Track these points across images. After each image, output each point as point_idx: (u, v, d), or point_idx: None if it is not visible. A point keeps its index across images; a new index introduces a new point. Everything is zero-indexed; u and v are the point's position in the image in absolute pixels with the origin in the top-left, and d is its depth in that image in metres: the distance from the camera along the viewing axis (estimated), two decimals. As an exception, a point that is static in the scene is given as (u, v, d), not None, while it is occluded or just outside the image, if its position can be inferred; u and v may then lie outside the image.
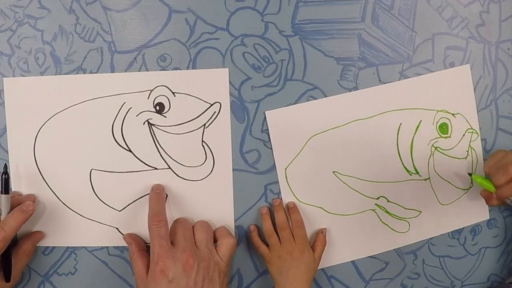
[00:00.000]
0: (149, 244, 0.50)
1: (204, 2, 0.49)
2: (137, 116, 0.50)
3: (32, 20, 0.49)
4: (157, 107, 0.50)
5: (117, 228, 0.51)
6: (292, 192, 0.53)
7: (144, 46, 0.50)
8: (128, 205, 0.51)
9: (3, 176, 0.45)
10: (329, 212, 0.54)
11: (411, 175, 0.54)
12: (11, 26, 0.49)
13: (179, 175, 0.51)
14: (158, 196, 0.49)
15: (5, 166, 0.46)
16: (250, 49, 0.51)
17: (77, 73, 0.49)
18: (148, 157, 0.50)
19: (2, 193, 0.45)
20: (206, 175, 0.51)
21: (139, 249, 0.48)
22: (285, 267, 0.50)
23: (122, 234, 0.51)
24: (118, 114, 0.50)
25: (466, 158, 0.55)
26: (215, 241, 0.49)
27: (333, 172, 0.53)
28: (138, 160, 0.50)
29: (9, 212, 0.45)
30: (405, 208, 0.55)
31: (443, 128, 0.54)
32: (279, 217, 0.51)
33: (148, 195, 0.50)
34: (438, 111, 0.54)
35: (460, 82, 0.55)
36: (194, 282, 0.43)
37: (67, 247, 0.51)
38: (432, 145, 0.54)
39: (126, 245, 0.50)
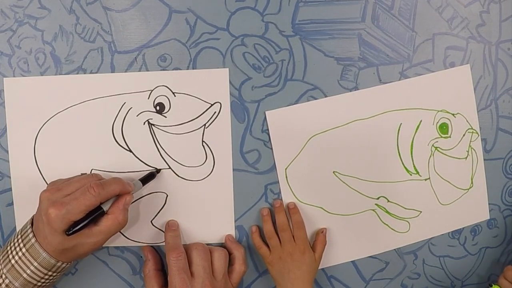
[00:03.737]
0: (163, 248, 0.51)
1: (204, 2, 0.49)
2: (137, 116, 0.50)
3: (33, 20, 0.49)
4: (158, 107, 0.50)
5: (117, 228, 0.51)
6: (292, 192, 0.53)
7: (144, 46, 0.50)
8: (128, 205, 0.51)
9: (154, 172, 0.49)
10: (329, 212, 0.54)
11: (411, 175, 0.54)
12: (11, 26, 0.49)
13: (180, 175, 0.51)
14: (175, 232, 0.49)
15: (158, 171, 0.50)
16: (250, 49, 0.51)
17: (77, 73, 0.49)
18: (148, 157, 0.50)
19: (140, 180, 0.47)
20: (206, 175, 0.51)
21: (156, 268, 0.49)
22: (286, 269, 0.50)
23: (123, 234, 0.51)
24: (119, 114, 0.50)
25: (466, 158, 0.55)
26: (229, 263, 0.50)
27: (333, 172, 0.53)
28: (138, 160, 0.50)
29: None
30: (405, 208, 0.55)
31: (443, 128, 0.54)
32: (279, 218, 0.51)
33: (148, 195, 0.50)
34: (438, 111, 0.54)
35: (460, 82, 0.55)
36: None
37: (67, 247, 0.51)
38: (432, 145, 0.54)
39: (126, 245, 0.51)
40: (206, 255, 0.48)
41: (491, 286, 0.51)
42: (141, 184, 0.47)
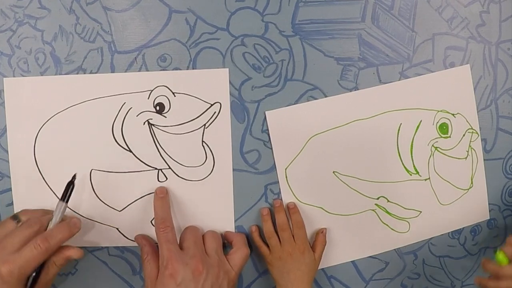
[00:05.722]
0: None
1: (204, 2, 0.49)
2: (137, 116, 0.50)
3: (32, 20, 0.49)
4: (157, 107, 0.50)
5: (117, 228, 0.51)
6: (292, 192, 0.53)
7: (144, 46, 0.50)
8: (128, 205, 0.51)
9: (70, 185, 0.45)
10: (329, 212, 0.54)
11: (411, 175, 0.54)
12: (11, 26, 0.49)
13: (179, 175, 0.51)
14: (163, 201, 0.49)
15: (74, 176, 0.46)
16: (250, 49, 0.51)
17: (77, 73, 0.49)
18: (148, 157, 0.50)
19: (61, 200, 0.45)
20: (206, 175, 0.51)
21: (153, 251, 0.48)
22: (286, 269, 0.50)
23: (122, 234, 0.51)
24: (118, 114, 0.50)
25: (466, 158, 0.55)
26: (229, 247, 0.50)
27: (333, 172, 0.53)
28: (138, 160, 0.50)
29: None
30: (405, 208, 0.55)
31: (443, 128, 0.54)
32: (279, 218, 0.51)
33: (148, 195, 0.50)
34: (438, 111, 0.54)
35: (460, 82, 0.55)
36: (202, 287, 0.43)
37: (67, 247, 0.51)
38: (432, 145, 0.54)
39: (126, 245, 0.51)
40: (198, 233, 0.48)
41: (495, 252, 0.50)
42: (66, 205, 0.45)
